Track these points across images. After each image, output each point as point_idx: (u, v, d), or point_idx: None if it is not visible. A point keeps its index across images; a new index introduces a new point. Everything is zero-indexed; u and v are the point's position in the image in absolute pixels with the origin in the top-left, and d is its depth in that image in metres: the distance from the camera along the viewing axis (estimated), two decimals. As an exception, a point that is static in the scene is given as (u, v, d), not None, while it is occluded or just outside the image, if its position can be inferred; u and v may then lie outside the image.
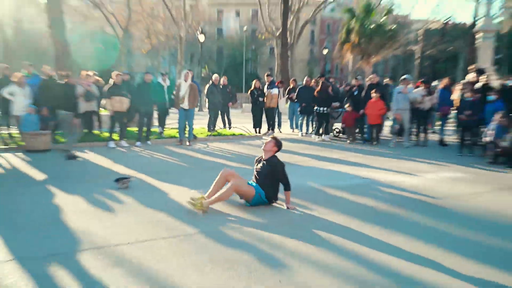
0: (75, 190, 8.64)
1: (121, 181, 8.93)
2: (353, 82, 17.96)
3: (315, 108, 16.99)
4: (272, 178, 7.73)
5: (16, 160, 12.21)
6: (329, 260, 5.38)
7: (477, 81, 15.18)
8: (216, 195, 7.52)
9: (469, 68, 18.69)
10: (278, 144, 8.01)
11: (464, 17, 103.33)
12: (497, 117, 12.29)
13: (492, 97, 13.21)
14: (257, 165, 8.06)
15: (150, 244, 5.81)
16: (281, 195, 7.79)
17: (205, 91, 18.50)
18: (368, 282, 4.81)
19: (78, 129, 13.33)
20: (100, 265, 5.14)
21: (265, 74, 19.96)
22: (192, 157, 13.31)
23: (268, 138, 8.11)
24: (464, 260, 5.46)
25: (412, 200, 8.36)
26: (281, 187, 7.73)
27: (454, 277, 4.98)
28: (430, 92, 15.72)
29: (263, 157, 8.01)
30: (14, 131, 15.18)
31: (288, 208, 7.50)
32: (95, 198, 8.16)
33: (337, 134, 18.18)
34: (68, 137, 13.26)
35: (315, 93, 16.96)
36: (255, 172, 7.94)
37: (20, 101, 14.33)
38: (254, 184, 7.76)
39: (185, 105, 15.18)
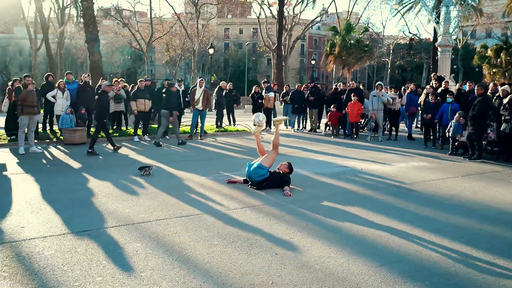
0: (105, 177, 8.55)
1: (144, 169, 8.83)
2: (341, 87, 17.80)
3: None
4: (279, 180, 7.74)
5: (57, 152, 12.10)
6: (317, 234, 5.29)
7: (438, 87, 15.12)
8: (275, 136, 8.30)
9: (431, 76, 18.58)
10: (290, 169, 8.09)
11: (427, 34, 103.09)
12: (457, 116, 12.17)
13: (450, 99, 13.09)
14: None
15: (166, 222, 5.71)
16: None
17: (214, 94, 18.41)
18: (349, 252, 4.71)
19: (174, 124, 13.83)
20: (125, 240, 5.04)
21: (262, 81, 19.78)
22: (203, 149, 13.21)
23: (286, 163, 8.16)
24: (426, 232, 5.37)
25: (385, 185, 8.26)
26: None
27: (417, 242, 4.88)
28: (400, 95, 15.61)
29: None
30: (56, 127, 15.09)
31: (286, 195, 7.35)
32: (122, 183, 8.06)
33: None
34: (160, 129, 13.92)
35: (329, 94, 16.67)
36: (274, 171, 8.02)
37: (61, 103, 14.26)
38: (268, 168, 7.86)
39: (199, 106, 15.08)
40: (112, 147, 12.34)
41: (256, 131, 8.49)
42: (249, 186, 7.75)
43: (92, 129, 15.32)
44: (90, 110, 15.05)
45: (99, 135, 12.46)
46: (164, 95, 14.72)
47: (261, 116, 8.50)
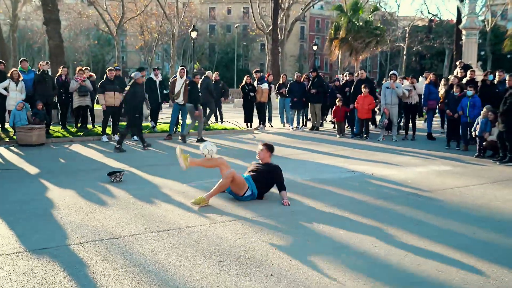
0: (68, 184, 8.51)
1: (114, 174, 8.82)
2: (347, 77, 17.91)
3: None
4: (268, 178, 7.62)
5: (9, 154, 12.05)
6: (319, 254, 5.28)
7: (464, 77, 15.19)
8: (215, 187, 7.36)
9: (457, 63, 18.69)
10: (270, 148, 7.92)
11: (449, 15, 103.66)
12: (484, 111, 12.23)
13: (470, 92, 13.16)
14: (252, 165, 7.93)
15: (141, 238, 5.68)
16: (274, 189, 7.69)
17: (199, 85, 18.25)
18: (358, 273, 4.71)
19: (199, 119, 14.97)
20: (91, 259, 5.01)
21: (253, 71, 19.74)
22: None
23: (259, 147, 7.93)
24: (449, 251, 5.37)
25: (401, 193, 8.28)
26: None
27: (442, 267, 4.88)
28: (415, 86, 15.71)
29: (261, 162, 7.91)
30: (8, 125, 15.04)
31: (284, 204, 7.32)
32: (88, 191, 8.03)
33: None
34: (190, 124, 15.01)
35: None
36: (253, 168, 7.82)
37: (15, 96, 14.20)
38: (246, 175, 7.62)
39: (180, 100, 15.02)
40: (142, 145, 13.22)
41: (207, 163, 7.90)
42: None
43: (53, 127, 15.32)
44: (49, 104, 15.03)
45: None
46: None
47: (209, 146, 7.77)
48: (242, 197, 7.50)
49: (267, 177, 7.63)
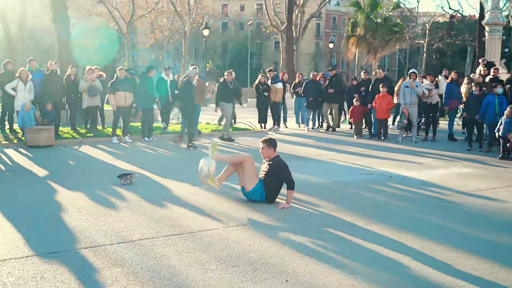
0: (77, 187, 8.57)
1: (124, 177, 8.86)
2: (362, 76, 17.88)
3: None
4: (276, 177, 7.59)
5: (18, 156, 12.15)
6: (336, 259, 5.27)
7: (487, 75, 15.08)
8: (226, 156, 7.66)
9: (479, 61, 18.55)
10: (271, 143, 7.78)
11: (472, 10, 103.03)
12: (508, 111, 12.13)
13: (500, 90, 13.07)
14: (263, 165, 7.93)
15: (152, 242, 5.71)
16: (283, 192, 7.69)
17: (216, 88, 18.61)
18: (376, 280, 4.70)
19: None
20: (101, 263, 5.05)
21: (267, 70, 19.75)
22: (195, 152, 13.22)
23: (260, 144, 7.87)
24: (471, 256, 5.34)
25: (421, 196, 8.25)
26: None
27: (463, 276, 4.85)
28: (437, 85, 15.62)
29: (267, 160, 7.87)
30: (16, 126, 15.18)
31: (283, 206, 7.31)
32: (98, 194, 8.09)
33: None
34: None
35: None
36: (262, 169, 7.82)
37: (23, 96, 14.32)
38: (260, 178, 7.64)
39: (191, 100, 15.07)
40: (188, 144, 13.57)
41: (208, 182, 7.93)
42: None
43: (62, 128, 15.44)
44: (58, 105, 15.14)
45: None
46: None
47: (206, 165, 7.87)
48: (249, 193, 7.53)
49: (275, 178, 7.59)
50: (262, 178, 7.62)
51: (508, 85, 14.20)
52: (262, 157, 7.88)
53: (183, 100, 14.02)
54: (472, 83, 14.16)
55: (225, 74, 16.35)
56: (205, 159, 7.98)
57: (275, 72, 18.94)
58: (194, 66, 15.67)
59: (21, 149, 13.14)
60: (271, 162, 7.72)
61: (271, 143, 7.78)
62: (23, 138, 13.97)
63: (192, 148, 13.38)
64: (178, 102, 15.07)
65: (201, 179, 7.94)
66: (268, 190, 7.53)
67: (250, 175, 7.55)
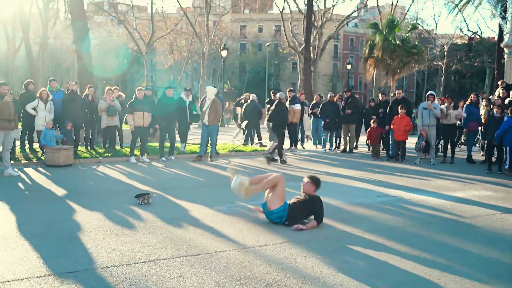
0: (95, 206, 8.62)
1: (142, 197, 8.89)
2: (380, 97, 17.88)
3: None
4: (307, 208, 7.60)
5: (37, 175, 12.27)
6: (352, 282, 5.23)
7: (506, 97, 15.01)
8: (259, 186, 7.75)
9: (498, 83, 18.47)
10: (315, 181, 7.81)
11: (490, 32, 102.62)
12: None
13: None
14: (296, 197, 7.89)
15: (169, 263, 5.72)
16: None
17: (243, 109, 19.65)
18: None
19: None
20: (118, 283, 5.06)
21: (287, 90, 19.88)
22: (214, 173, 13.27)
23: (305, 179, 7.87)
24: (491, 280, 5.27)
25: (439, 219, 8.18)
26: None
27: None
28: (455, 106, 15.53)
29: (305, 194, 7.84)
30: (36, 145, 15.34)
31: (298, 227, 7.26)
32: (115, 214, 8.12)
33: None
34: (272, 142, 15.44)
35: None
36: (294, 198, 7.80)
37: (43, 116, 14.49)
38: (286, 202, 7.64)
39: (205, 120, 15.16)
40: (279, 158, 14.85)
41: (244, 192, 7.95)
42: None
43: (80, 148, 15.57)
44: (77, 124, 15.30)
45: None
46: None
47: (238, 182, 7.91)
48: (270, 212, 7.51)
49: (306, 208, 7.61)
50: (290, 204, 7.60)
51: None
52: (302, 189, 7.85)
53: (275, 120, 14.92)
54: (494, 105, 14.07)
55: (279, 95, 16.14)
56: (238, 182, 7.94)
57: (293, 93, 18.96)
58: (213, 86, 15.76)
59: (40, 168, 13.27)
60: (308, 196, 7.70)
61: (315, 181, 7.82)
62: (42, 158, 14.11)
63: (280, 163, 14.78)
64: (268, 123, 15.49)
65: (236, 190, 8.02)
66: (292, 217, 7.48)
67: (278, 195, 7.54)
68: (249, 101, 19.73)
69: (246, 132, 19.72)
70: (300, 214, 7.57)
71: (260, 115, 19.32)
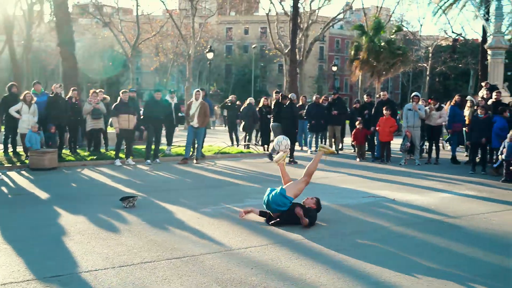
0: (80, 209, 8.56)
1: (127, 200, 8.85)
2: (366, 99, 17.97)
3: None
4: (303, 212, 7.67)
5: (21, 179, 12.17)
6: (339, 282, 5.24)
7: (489, 98, 15.15)
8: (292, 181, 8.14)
9: (482, 84, 18.62)
10: (318, 206, 7.96)
11: (474, 34, 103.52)
12: (511, 135, 12.13)
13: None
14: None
15: (154, 266, 5.69)
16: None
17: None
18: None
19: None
20: (103, 287, 5.03)
21: (274, 92, 19.93)
22: (199, 175, 13.24)
23: (314, 198, 8.00)
24: (476, 280, 5.30)
25: (424, 219, 8.22)
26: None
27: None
28: (439, 108, 15.62)
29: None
30: (20, 149, 15.21)
31: (298, 212, 7.44)
32: (100, 217, 8.08)
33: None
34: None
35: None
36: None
37: (27, 119, 14.38)
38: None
39: (194, 123, 15.14)
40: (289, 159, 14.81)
41: (280, 159, 8.50)
42: (269, 222, 7.70)
43: (65, 151, 15.46)
44: (62, 127, 15.19)
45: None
46: None
47: (285, 141, 8.52)
48: (284, 195, 7.68)
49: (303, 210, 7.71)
50: (293, 202, 7.73)
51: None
52: (303, 202, 7.96)
53: (285, 121, 15.37)
54: (478, 106, 14.17)
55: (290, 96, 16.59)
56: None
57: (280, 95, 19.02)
58: (198, 90, 15.71)
59: (24, 172, 13.16)
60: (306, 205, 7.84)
61: (319, 205, 7.98)
62: (26, 161, 14.00)
63: (293, 163, 15.17)
64: (275, 125, 16.04)
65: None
66: (288, 214, 7.56)
67: (296, 189, 7.89)
68: (246, 103, 19.92)
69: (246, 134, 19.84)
70: (294, 217, 7.57)
71: (255, 118, 19.28)
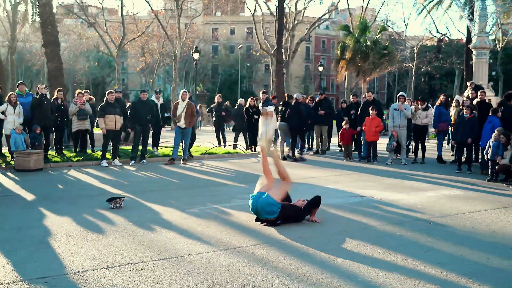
0: (66, 211, 8.52)
1: (114, 200, 8.82)
2: (352, 99, 18.06)
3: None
4: (295, 210, 7.79)
5: (6, 180, 12.08)
6: (326, 282, 5.25)
7: (474, 98, 15.28)
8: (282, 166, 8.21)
9: (467, 84, 18.77)
10: (315, 205, 7.93)
11: (459, 34, 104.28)
12: (495, 134, 12.23)
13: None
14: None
15: (141, 266, 5.68)
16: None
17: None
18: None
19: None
20: (90, 289, 5.01)
21: (261, 92, 19.98)
22: (186, 175, 13.23)
23: (305, 201, 7.96)
24: (461, 278, 5.34)
25: (411, 218, 8.26)
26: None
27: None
28: (427, 108, 15.72)
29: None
30: (5, 150, 15.10)
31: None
32: (87, 218, 8.04)
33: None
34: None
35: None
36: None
37: (12, 120, 14.29)
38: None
39: (182, 123, 15.12)
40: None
41: (271, 151, 8.58)
42: (261, 223, 7.71)
43: (51, 152, 15.37)
44: (47, 128, 15.09)
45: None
46: None
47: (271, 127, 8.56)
48: (269, 202, 7.56)
49: (293, 208, 7.81)
50: (282, 204, 7.69)
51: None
52: (295, 203, 7.97)
53: (293, 120, 15.97)
54: (463, 106, 14.27)
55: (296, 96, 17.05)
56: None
57: (266, 95, 19.03)
58: (184, 91, 15.71)
59: (9, 173, 13.07)
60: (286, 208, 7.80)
61: (315, 204, 7.93)
62: (11, 162, 13.90)
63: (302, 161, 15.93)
64: (282, 124, 16.37)
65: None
66: (283, 214, 7.58)
67: (281, 193, 7.84)
68: (237, 104, 20.34)
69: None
70: (290, 215, 7.67)
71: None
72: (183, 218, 8.11)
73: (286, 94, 17.57)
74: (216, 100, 20.22)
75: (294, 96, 16.69)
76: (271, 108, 18.38)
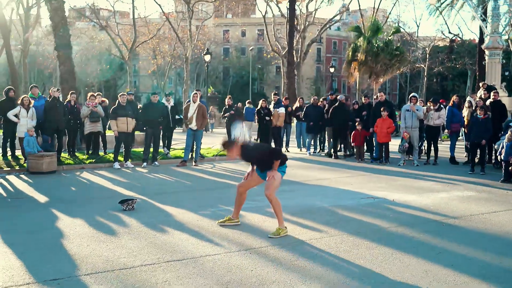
0: (79, 213, 8.57)
1: (126, 202, 8.86)
2: (363, 100, 18.00)
3: None
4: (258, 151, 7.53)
5: (19, 182, 12.17)
6: (339, 284, 5.25)
7: (487, 98, 15.18)
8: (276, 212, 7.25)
9: (480, 84, 18.66)
10: (227, 145, 7.45)
11: (471, 34, 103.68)
12: (509, 134, 12.13)
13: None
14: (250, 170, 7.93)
15: (154, 268, 5.70)
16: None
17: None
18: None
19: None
20: (103, 290, 5.04)
21: (272, 93, 20.04)
22: (198, 177, 13.24)
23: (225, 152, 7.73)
24: (475, 281, 5.32)
25: (423, 220, 8.23)
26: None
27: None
28: (439, 109, 15.63)
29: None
30: (19, 152, 15.21)
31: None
32: (99, 220, 8.08)
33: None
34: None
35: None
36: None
37: (25, 123, 14.39)
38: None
39: (193, 125, 15.15)
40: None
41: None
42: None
43: (63, 154, 15.45)
44: (60, 131, 15.19)
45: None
46: None
47: (239, 130, 7.76)
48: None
49: (258, 151, 7.58)
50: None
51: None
52: (236, 158, 7.64)
53: (337, 122, 16.49)
54: (477, 107, 14.18)
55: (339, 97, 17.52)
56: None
57: (278, 97, 19.06)
58: (195, 92, 15.75)
59: (22, 176, 13.16)
60: (245, 153, 7.46)
61: (227, 145, 7.45)
62: (25, 165, 14.00)
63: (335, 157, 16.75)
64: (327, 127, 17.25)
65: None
66: (262, 164, 7.45)
67: (277, 184, 7.27)
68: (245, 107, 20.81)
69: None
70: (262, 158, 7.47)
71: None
72: (195, 219, 8.12)
73: (330, 95, 18.05)
74: (226, 103, 20.22)
75: (337, 97, 17.26)
76: (282, 110, 18.49)
